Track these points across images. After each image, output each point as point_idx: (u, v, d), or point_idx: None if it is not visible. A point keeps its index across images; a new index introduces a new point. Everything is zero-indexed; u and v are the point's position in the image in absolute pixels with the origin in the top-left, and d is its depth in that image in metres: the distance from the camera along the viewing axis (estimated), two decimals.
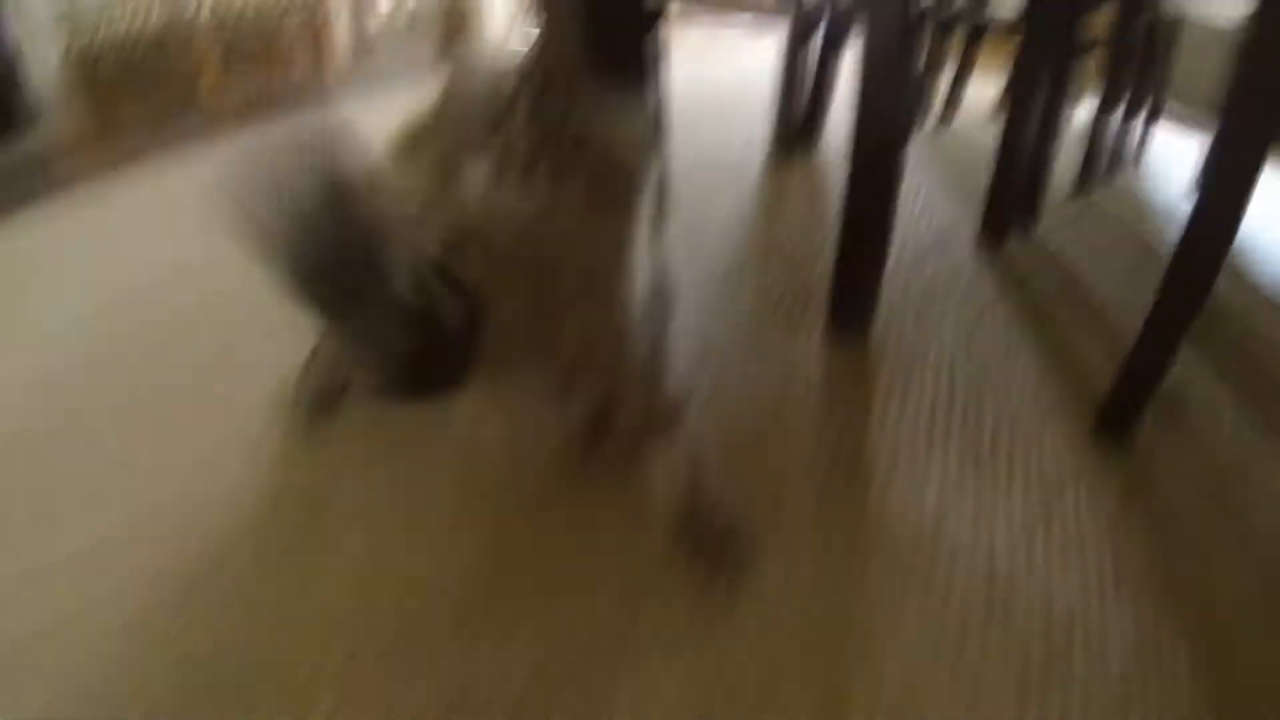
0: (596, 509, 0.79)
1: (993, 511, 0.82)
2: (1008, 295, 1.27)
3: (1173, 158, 1.87)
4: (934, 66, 2.03)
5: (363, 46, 5.11)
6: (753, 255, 1.39)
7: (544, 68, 0.78)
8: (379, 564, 0.73)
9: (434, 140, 0.78)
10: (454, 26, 5.63)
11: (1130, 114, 1.83)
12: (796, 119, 1.78)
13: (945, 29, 1.96)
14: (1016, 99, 1.45)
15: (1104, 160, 1.75)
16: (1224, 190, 0.85)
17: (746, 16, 3.61)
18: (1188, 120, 1.98)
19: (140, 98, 4.30)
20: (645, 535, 0.75)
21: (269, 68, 4.75)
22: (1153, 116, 1.94)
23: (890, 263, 1.12)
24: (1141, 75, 1.79)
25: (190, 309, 1.13)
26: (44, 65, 3.93)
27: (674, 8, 0.95)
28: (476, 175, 0.71)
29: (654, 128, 1.07)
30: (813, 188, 1.70)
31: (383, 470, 0.84)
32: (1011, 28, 1.71)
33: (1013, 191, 1.44)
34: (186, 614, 0.68)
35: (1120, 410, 0.95)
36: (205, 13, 4.28)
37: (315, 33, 4.91)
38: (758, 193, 1.68)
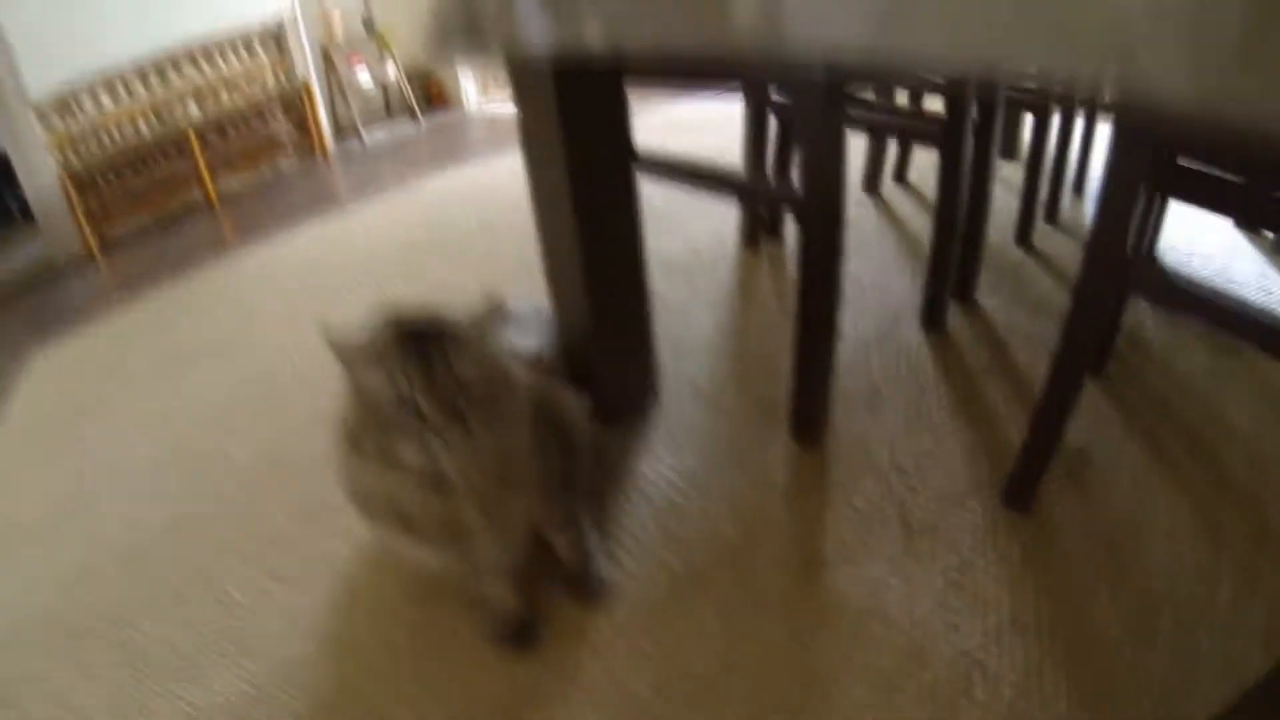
0: None
1: (919, 581, 1.08)
2: (947, 374, 1.52)
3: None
4: (876, 140, 2.30)
5: (346, 125, 5.47)
6: (728, 364, 1.66)
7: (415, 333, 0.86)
8: None
9: (366, 434, 0.87)
10: (432, 96, 6.00)
11: (1061, 164, 2.07)
12: (761, 207, 2.02)
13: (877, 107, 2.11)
14: (946, 169, 1.58)
15: (1039, 213, 1.98)
16: (1103, 254, 1.00)
17: (706, 93, 3.93)
18: None
19: (139, 208, 4.66)
20: None
21: (260, 160, 5.12)
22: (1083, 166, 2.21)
23: (844, 354, 1.41)
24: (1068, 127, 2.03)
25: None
26: (40, 188, 4.28)
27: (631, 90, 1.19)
28: (409, 450, 0.85)
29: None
30: (778, 282, 1.95)
31: None
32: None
33: (949, 267, 1.64)
34: None
35: (1023, 478, 1.17)
36: (193, 117, 4.65)
37: (300, 120, 5.26)
38: (729, 291, 1.94)
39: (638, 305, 1.45)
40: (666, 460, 1.39)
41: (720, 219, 2.30)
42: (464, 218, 3.08)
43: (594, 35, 0.85)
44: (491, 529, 0.95)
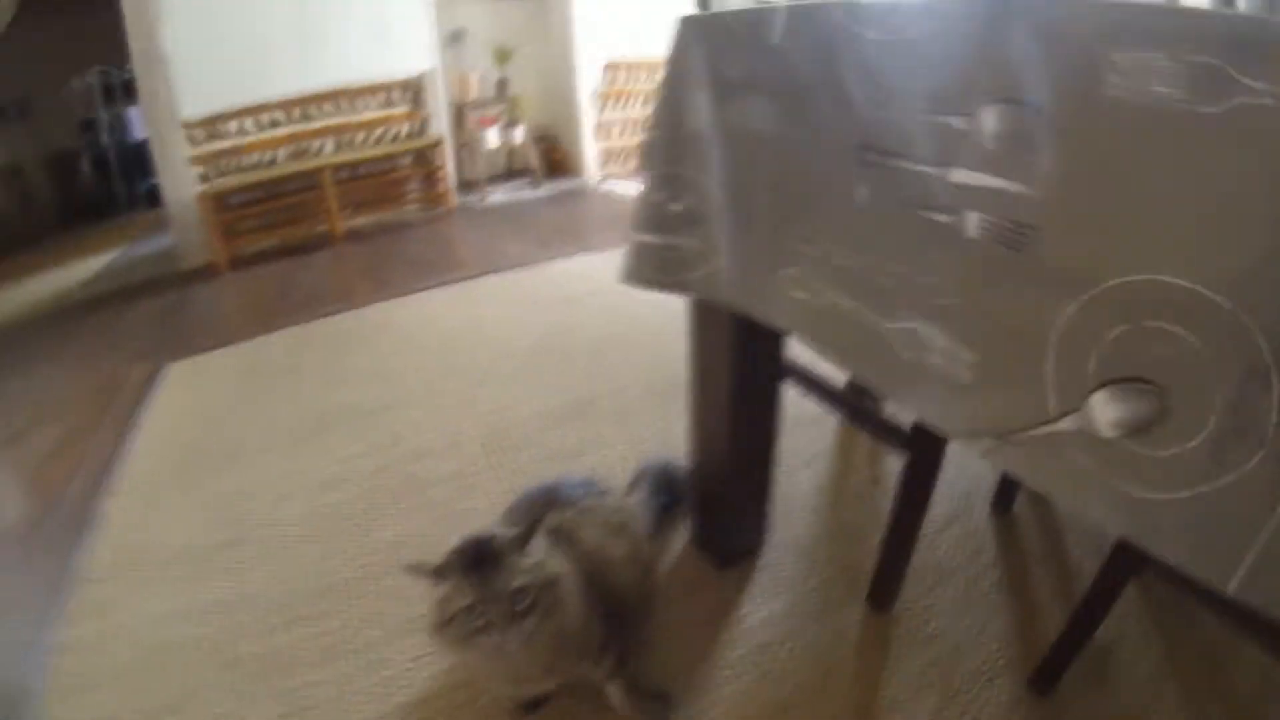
0: None
1: None
2: (1005, 557, 1.77)
3: None
4: None
5: (469, 180, 5.94)
6: (823, 526, 1.98)
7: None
8: None
9: (448, 627, 1.20)
10: (554, 162, 6.46)
11: None
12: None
13: None
14: None
15: None
16: None
17: None
18: None
19: (268, 232, 5.16)
20: None
21: (387, 204, 5.60)
22: None
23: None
24: None
25: None
26: (180, 200, 4.80)
27: None
28: (480, 644, 1.18)
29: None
30: (871, 449, 2.27)
31: None
32: None
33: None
34: None
35: (1050, 667, 1.40)
36: (327, 155, 5.15)
37: (428, 172, 5.76)
38: (829, 452, 2.27)
39: (765, 476, 1.83)
40: (765, 605, 1.75)
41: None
42: (589, 323, 3.40)
43: (779, 321, 1.23)
44: (551, 679, 1.34)
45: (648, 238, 1.45)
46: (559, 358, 3.10)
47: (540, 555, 1.28)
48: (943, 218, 0.90)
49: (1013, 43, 0.80)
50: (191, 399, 3.19)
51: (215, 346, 3.70)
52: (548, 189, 6.09)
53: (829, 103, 1.03)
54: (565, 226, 5.09)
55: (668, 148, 1.36)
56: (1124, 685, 1.44)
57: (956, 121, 0.87)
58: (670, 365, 2.71)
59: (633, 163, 6.49)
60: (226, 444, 2.74)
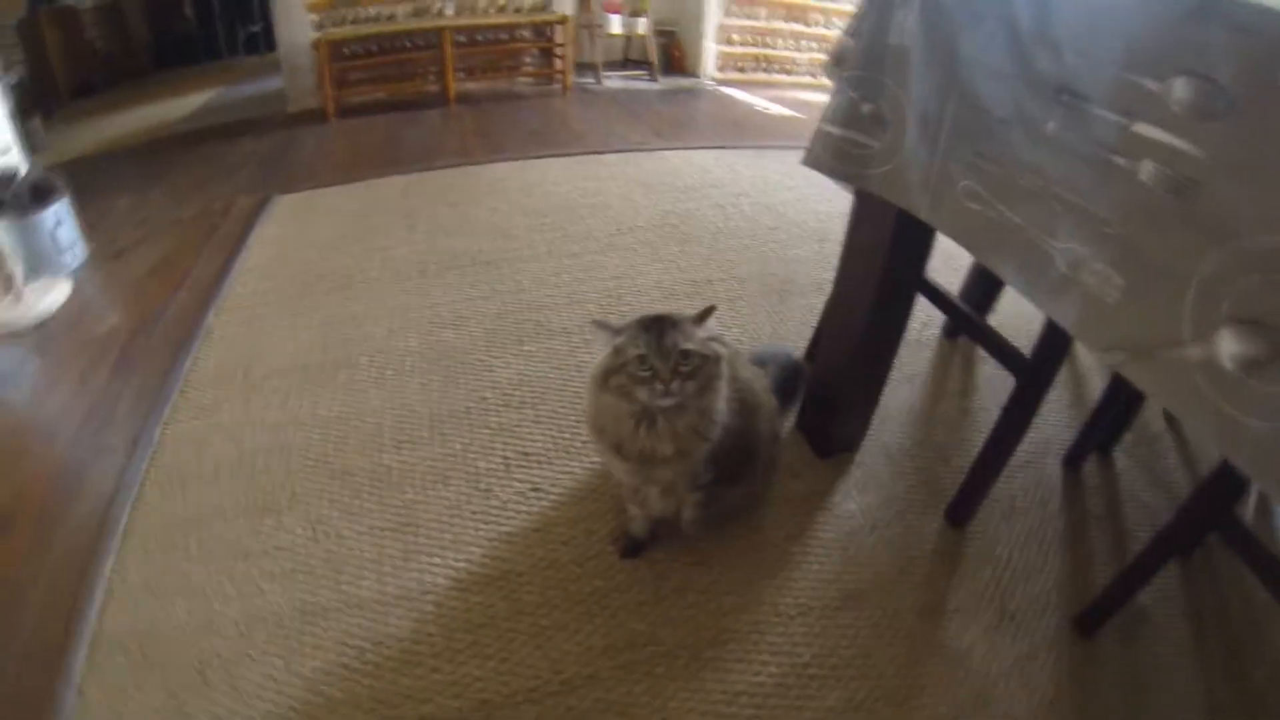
0: None
1: (997, 652, 1.57)
2: (1069, 510, 1.92)
3: None
4: None
5: (586, 63, 6.02)
6: (914, 440, 2.14)
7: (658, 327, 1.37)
8: None
9: (613, 377, 1.38)
10: (672, 58, 6.52)
11: None
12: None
13: None
14: None
15: None
16: None
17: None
18: None
19: (378, 86, 5.30)
20: None
21: (501, 74, 5.71)
22: None
23: None
24: None
25: None
26: (294, 44, 4.94)
27: None
28: (641, 391, 1.34)
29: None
30: (965, 379, 2.42)
31: None
32: None
33: (1099, 429, 2.04)
34: None
35: (1094, 615, 1.59)
36: (448, 16, 5.24)
37: (547, 48, 5.86)
38: (927, 373, 2.42)
39: (879, 377, 2.01)
40: (855, 499, 1.95)
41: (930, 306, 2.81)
42: (706, 214, 3.53)
43: (946, 226, 1.41)
44: (669, 465, 1.47)
45: (833, 129, 1.62)
46: (677, 240, 3.25)
47: (711, 334, 1.46)
48: (1121, 160, 1.07)
49: (1212, 29, 0.95)
50: (301, 230, 3.36)
51: (325, 185, 3.86)
52: (663, 84, 6.10)
53: (1036, 43, 1.20)
54: (680, 120, 5.13)
55: (867, 52, 1.52)
56: (1147, 653, 1.59)
57: (1150, 83, 1.03)
58: (785, 267, 2.95)
59: (749, 72, 6.52)
60: (338, 273, 2.93)
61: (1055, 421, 2.24)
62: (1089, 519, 1.93)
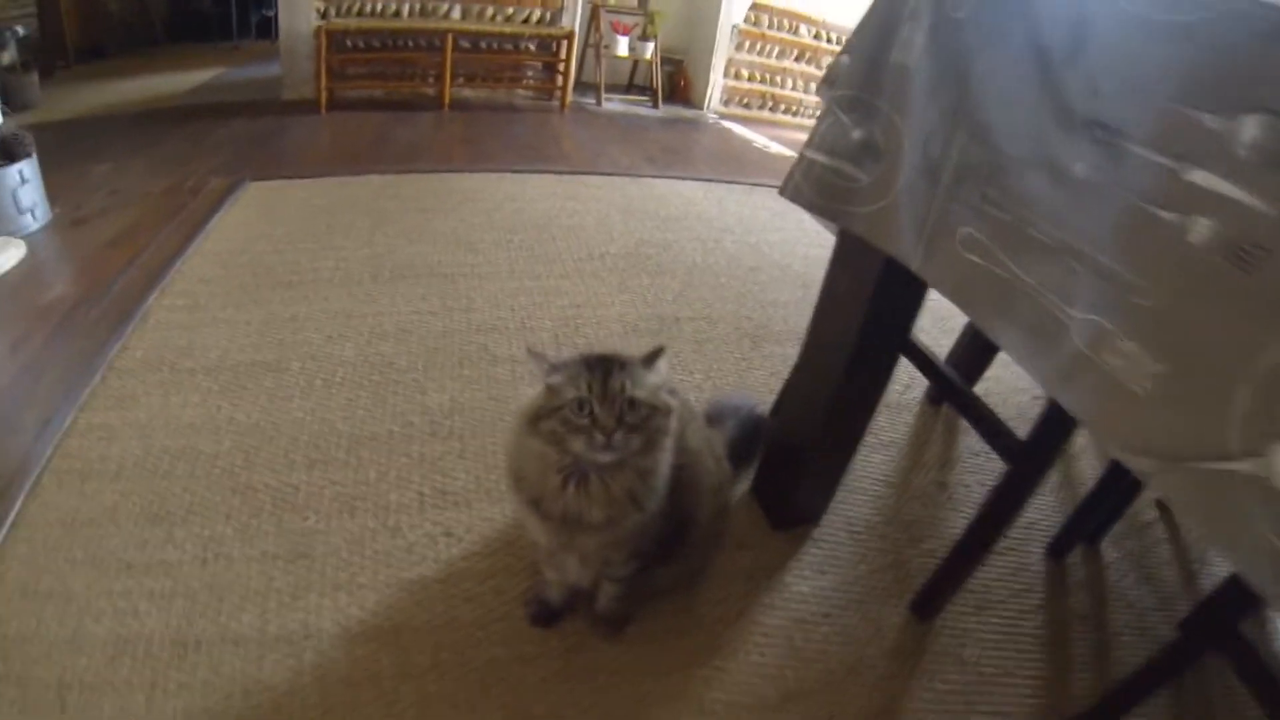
0: None
1: None
2: (1050, 605, 1.74)
3: None
4: None
5: (588, 83, 5.87)
6: (882, 516, 1.93)
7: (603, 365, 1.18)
8: None
9: (544, 420, 1.17)
10: (677, 87, 6.37)
11: None
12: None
13: None
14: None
15: None
16: None
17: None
18: None
19: (374, 82, 5.18)
20: None
21: (501, 83, 5.56)
22: None
23: None
24: None
25: None
26: (295, 32, 4.81)
27: None
28: (575, 440, 1.14)
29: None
30: (946, 451, 2.21)
31: None
32: None
33: (1090, 518, 1.86)
34: None
35: None
36: (453, 19, 5.11)
37: (550, 63, 5.70)
38: (903, 441, 2.21)
39: (849, 444, 1.79)
40: (810, 579, 1.72)
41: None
42: (685, 247, 3.38)
43: (940, 280, 1.17)
44: (595, 533, 1.24)
45: (818, 156, 1.39)
46: (649, 271, 3.09)
47: (663, 380, 1.24)
48: (1167, 215, 0.84)
49: None
50: (265, 220, 3.22)
51: (300, 176, 3.74)
52: (664, 111, 6.02)
53: (1067, 68, 0.97)
54: (676, 149, 5.04)
55: (864, 72, 1.30)
56: None
57: (1210, 120, 0.81)
58: (762, 311, 2.77)
59: (754, 108, 6.45)
60: (289, 269, 2.77)
61: (1041, 504, 2.04)
62: (1071, 618, 1.73)
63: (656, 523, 1.30)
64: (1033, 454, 1.39)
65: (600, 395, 1.14)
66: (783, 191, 1.48)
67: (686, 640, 1.54)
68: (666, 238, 3.45)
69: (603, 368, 1.17)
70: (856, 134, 1.31)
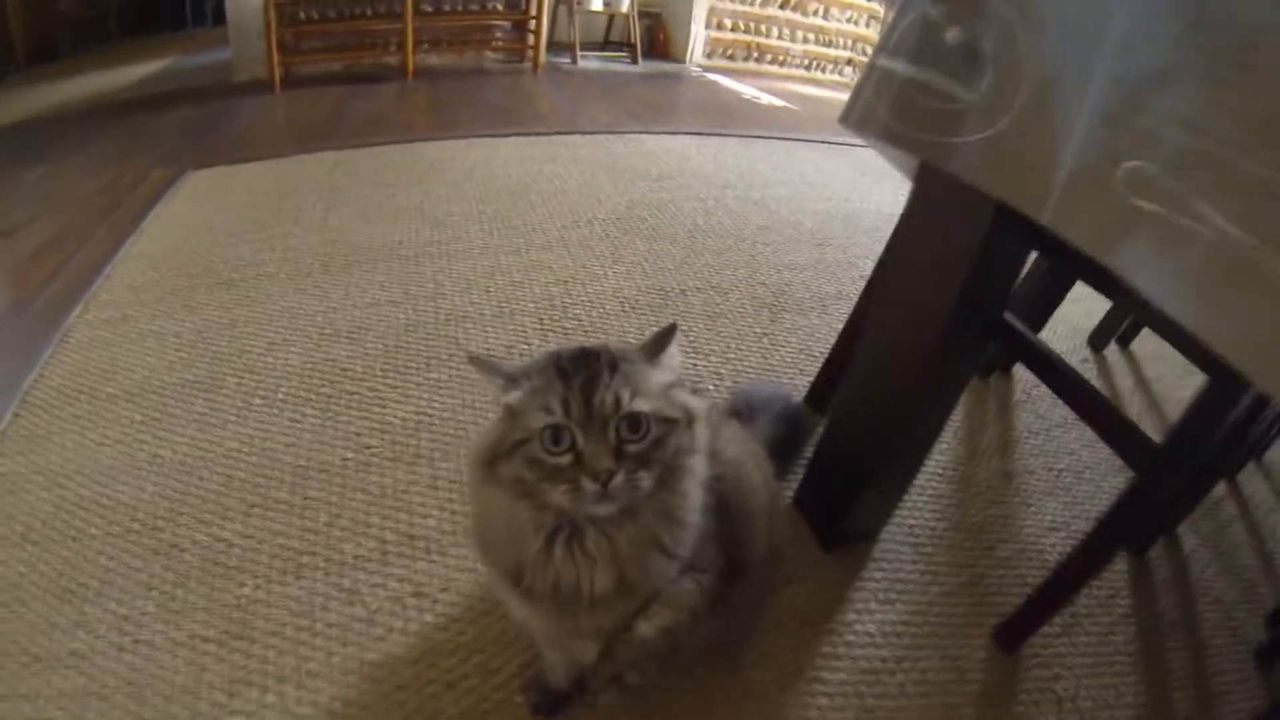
0: None
1: None
2: (1140, 612, 1.48)
3: None
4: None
5: (562, 41, 5.56)
6: (946, 521, 1.62)
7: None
8: None
9: (506, 462, 0.80)
10: (656, 41, 6.04)
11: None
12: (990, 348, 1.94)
13: None
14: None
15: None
16: None
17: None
18: None
19: (332, 54, 4.88)
20: None
21: (468, 46, 5.24)
22: None
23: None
24: None
25: None
26: (243, 5, 4.49)
27: None
28: (555, 491, 0.76)
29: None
30: (1003, 430, 1.91)
31: None
32: None
33: (1173, 505, 1.61)
34: None
35: None
36: None
37: (521, 21, 5.36)
38: (956, 426, 1.89)
39: (924, 446, 1.44)
40: (877, 613, 1.39)
41: None
42: (683, 207, 3.05)
43: (1087, 236, 0.80)
44: (608, 608, 0.85)
45: (898, 65, 1.00)
46: (644, 236, 2.76)
47: (676, 375, 0.86)
48: None
49: None
50: (206, 211, 2.89)
51: (248, 160, 3.42)
52: (644, 67, 5.77)
53: None
54: (660, 105, 4.75)
55: None
56: None
57: None
58: (778, 276, 2.46)
59: (739, 60, 6.19)
60: (228, 266, 2.43)
61: (1109, 488, 1.77)
62: (1162, 625, 1.47)
63: (704, 558, 0.93)
64: (1172, 459, 1.05)
65: (583, 417, 0.76)
66: (845, 118, 1.09)
67: (733, 711, 1.21)
68: (661, 198, 3.11)
69: (585, 373, 0.79)
70: (952, 34, 0.92)
